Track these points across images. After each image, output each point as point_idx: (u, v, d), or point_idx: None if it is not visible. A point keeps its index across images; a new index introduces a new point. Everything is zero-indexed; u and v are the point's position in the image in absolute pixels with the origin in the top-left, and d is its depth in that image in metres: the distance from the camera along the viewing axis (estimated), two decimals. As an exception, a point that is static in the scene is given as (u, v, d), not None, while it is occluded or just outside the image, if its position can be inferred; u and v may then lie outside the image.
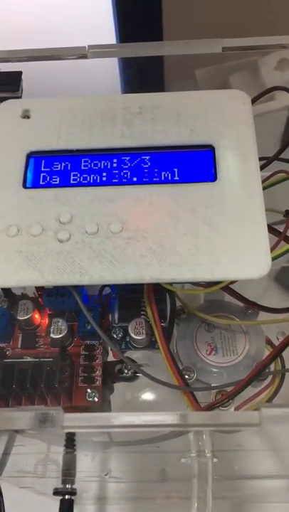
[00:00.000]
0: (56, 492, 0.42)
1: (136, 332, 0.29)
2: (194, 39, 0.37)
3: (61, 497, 0.41)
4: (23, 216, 0.28)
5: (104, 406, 0.30)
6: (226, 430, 0.30)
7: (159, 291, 0.31)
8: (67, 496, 0.42)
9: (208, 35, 0.36)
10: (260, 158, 0.32)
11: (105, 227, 0.27)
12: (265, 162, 0.35)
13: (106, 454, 0.39)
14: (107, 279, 0.26)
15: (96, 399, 0.29)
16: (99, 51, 0.35)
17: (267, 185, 0.34)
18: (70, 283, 0.26)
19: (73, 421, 0.23)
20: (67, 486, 0.42)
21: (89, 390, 0.29)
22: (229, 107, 0.30)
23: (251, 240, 0.26)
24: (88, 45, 0.34)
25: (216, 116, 0.30)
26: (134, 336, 0.29)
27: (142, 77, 0.39)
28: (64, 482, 0.42)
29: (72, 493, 0.42)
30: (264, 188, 0.32)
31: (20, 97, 0.33)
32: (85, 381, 0.30)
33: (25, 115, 0.31)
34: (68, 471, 0.41)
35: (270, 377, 0.31)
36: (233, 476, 0.39)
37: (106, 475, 0.41)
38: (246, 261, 0.26)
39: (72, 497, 0.42)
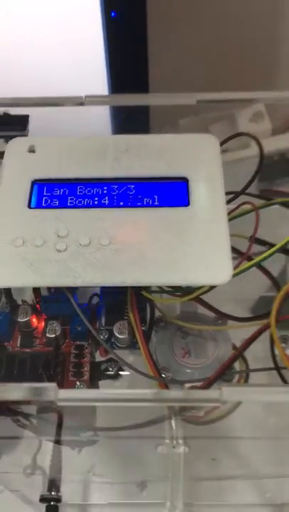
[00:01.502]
0: (42, 499, 0.45)
1: (120, 332, 0.34)
2: (175, 92, 0.43)
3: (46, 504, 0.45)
4: (28, 230, 0.33)
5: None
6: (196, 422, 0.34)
7: (141, 300, 0.36)
8: (52, 503, 0.45)
9: (190, 88, 0.43)
10: (231, 193, 0.38)
11: (96, 241, 0.32)
12: (233, 196, 0.41)
13: (90, 454, 0.43)
14: (96, 282, 0.31)
15: (84, 390, 0.34)
16: (94, 100, 0.41)
17: (235, 215, 0.40)
18: (65, 285, 0.31)
19: (67, 394, 0.28)
20: (52, 493, 0.45)
21: (78, 383, 0.34)
22: (201, 148, 0.36)
23: (217, 253, 0.32)
24: (85, 95, 0.41)
25: (190, 155, 0.36)
26: (117, 335, 0.34)
27: (130, 122, 0.45)
28: (50, 489, 0.45)
29: (58, 499, 0.45)
30: (233, 219, 0.38)
31: (26, 136, 0.39)
32: (74, 375, 0.34)
33: (31, 150, 0.37)
34: (54, 480, 0.45)
35: (236, 378, 0.36)
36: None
37: (89, 472, 0.44)
38: (212, 270, 0.31)
39: (58, 504, 0.45)
